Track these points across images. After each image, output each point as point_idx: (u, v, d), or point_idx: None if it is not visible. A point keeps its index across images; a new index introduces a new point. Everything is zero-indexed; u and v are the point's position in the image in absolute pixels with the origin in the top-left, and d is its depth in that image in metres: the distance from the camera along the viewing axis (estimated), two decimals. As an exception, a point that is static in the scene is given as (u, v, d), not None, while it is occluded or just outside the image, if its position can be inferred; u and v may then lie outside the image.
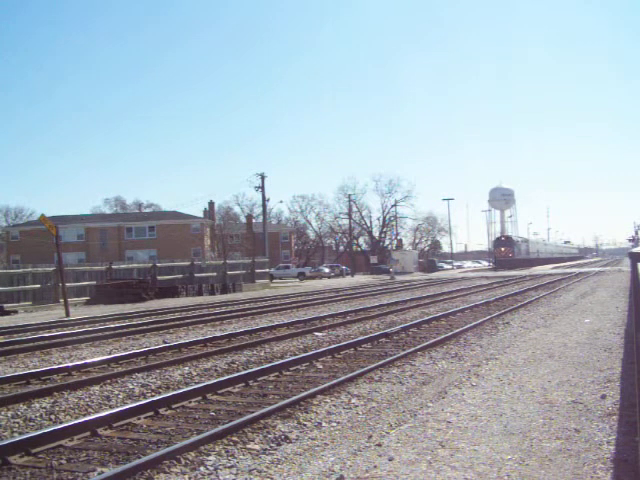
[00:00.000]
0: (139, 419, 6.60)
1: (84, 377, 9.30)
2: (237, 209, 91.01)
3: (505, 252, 76.93)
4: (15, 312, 24.68)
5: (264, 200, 55.22)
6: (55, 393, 8.16)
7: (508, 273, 54.19)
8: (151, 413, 6.79)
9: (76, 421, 6.20)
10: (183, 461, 5.17)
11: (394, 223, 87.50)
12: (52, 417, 6.99)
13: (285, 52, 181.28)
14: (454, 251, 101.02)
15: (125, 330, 15.53)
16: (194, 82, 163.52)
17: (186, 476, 4.87)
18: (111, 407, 7.30)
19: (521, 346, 11.03)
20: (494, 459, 5.00)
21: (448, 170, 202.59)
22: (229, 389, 8.02)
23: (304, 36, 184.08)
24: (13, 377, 9.24)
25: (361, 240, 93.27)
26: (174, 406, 7.10)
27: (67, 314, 21.67)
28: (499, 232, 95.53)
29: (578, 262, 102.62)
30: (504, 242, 79.34)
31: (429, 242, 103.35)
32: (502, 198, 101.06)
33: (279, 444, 5.64)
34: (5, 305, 24.92)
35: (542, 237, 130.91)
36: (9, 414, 7.13)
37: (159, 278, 34.71)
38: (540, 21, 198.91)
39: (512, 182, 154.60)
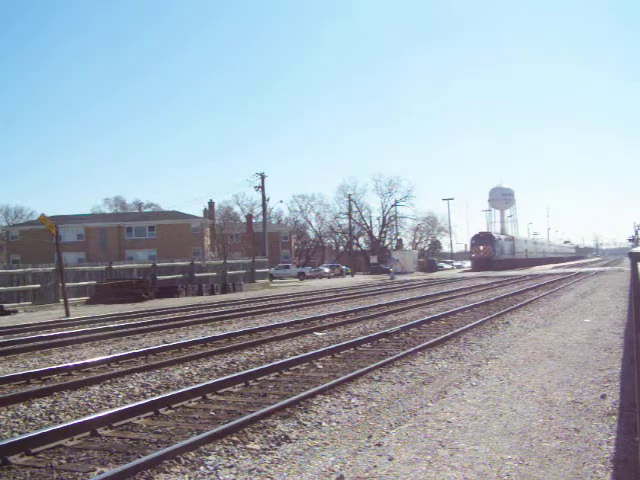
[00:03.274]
0: (139, 419, 6.60)
1: (84, 377, 9.29)
2: (237, 209, 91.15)
3: (484, 251, 67.88)
4: (15, 312, 24.67)
5: (264, 200, 55.20)
6: (55, 393, 8.15)
7: (508, 273, 53.99)
8: (151, 413, 6.79)
9: (76, 421, 6.19)
10: (183, 461, 5.17)
11: (394, 223, 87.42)
12: (52, 417, 6.98)
13: (285, 52, 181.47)
14: (454, 251, 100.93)
15: (125, 330, 15.52)
16: (194, 82, 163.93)
17: (186, 476, 4.87)
18: (111, 407, 7.29)
19: (521, 346, 11.03)
20: (494, 459, 5.00)
21: (448, 170, 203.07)
22: (229, 389, 8.02)
23: (304, 36, 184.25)
24: (13, 377, 9.24)
25: (361, 240, 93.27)
26: (174, 406, 7.10)
27: (67, 314, 21.66)
28: (499, 232, 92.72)
29: (577, 262, 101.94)
30: (483, 239, 69.77)
31: (429, 242, 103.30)
32: (502, 198, 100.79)
33: (279, 444, 5.64)
34: (5, 305, 24.90)
35: (540, 237, 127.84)
36: (9, 414, 7.13)
37: (159, 278, 34.69)
38: (540, 21, 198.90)
39: (512, 182, 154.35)
